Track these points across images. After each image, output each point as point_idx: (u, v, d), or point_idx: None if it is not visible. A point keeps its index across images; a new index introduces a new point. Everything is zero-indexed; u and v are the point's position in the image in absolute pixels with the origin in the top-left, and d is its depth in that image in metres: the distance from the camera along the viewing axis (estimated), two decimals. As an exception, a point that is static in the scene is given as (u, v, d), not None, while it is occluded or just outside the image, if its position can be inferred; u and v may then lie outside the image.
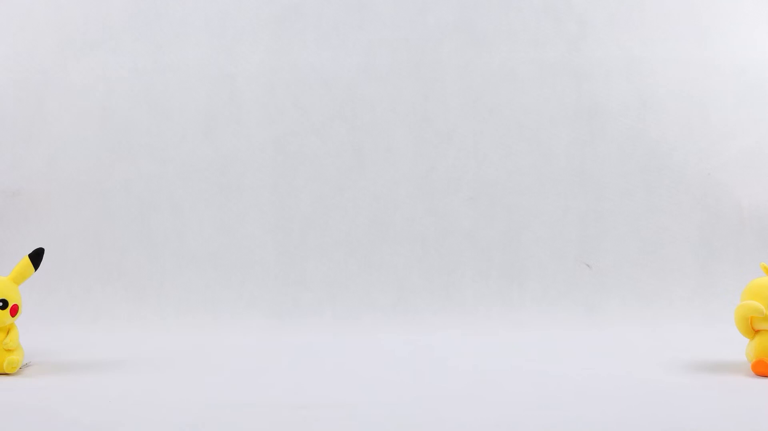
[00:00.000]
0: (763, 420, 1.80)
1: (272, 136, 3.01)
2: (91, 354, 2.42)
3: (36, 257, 2.35)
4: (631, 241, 3.14)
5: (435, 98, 3.25)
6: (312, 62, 3.28)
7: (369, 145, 3.25)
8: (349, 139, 3.25)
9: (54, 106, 3.28)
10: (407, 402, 1.98)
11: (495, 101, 3.24)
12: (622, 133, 3.24)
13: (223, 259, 3.09)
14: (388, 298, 3.04)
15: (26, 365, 2.38)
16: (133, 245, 3.13)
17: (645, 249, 3.11)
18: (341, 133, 3.13)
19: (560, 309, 2.96)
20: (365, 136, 3.26)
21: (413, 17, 3.28)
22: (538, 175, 3.22)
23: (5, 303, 2.27)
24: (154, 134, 3.21)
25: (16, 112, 3.28)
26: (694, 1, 3.29)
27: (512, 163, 3.22)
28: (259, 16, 3.30)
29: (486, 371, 2.25)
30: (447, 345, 2.64)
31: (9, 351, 2.28)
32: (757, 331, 2.17)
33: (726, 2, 3.29)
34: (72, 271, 3.02)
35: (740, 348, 2.28)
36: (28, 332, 2.38)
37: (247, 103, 3.27)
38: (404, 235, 3.15)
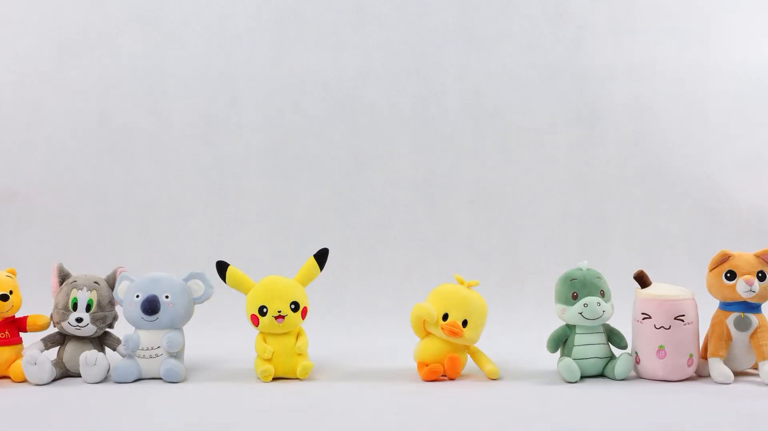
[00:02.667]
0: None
1: (271, 139, 3.02)
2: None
3: (321, 257, 2.23)
4: (630, 244, 3.15)
5: (434, 101, 3.26)
6: (311, 65, 3.28)
7: (368, 147, 3.25)
8: (348, 142, 3.25)
9: (52, 108, 3.28)
10: (407, 405, 1.98)
11: (494, 104, 3.25)
12: (621, 137, 3.25)
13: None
14: (388, 301, 3.04)
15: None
16: (131, 247, 3.13)
17: (644, 252, 3.12)
18: (340, 135, 3.14)
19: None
20: (364, 139, 3.26)
21: (413, 20, 3.28)
22: (538, 178, 3.22)
23: (297, 305, 2.18)
24: (152, 136, 3.21)
25: (14, 113, 3.29)
26: (694, 6, 3.31)
27: (511, 166, 3.22)
28: (258, 19, 3.31)
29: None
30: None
31: (301, 355, 2.19)
32: (428, 333, 2.19)
33: (725, 6, 3.31)
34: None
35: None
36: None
37: (245, 106, 3.28)
38: (403, 238, 3.16)
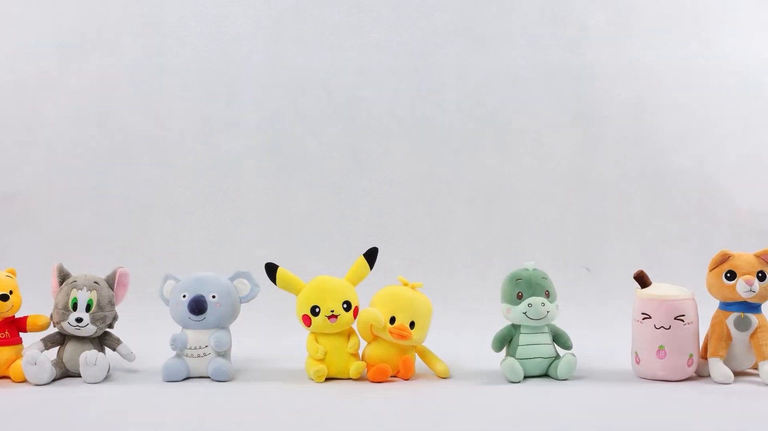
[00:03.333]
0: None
1: (270, 138, 3.01)
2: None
3: (370, 256, 2.22)
4: (629, 245, 3.14)
5: (434, 101, 3.26)
6: (310, 64, 3.28)
7: (367, 147, 3.25)
8: (347, 141, 3.25)
9: (51, 108, 3.28)
10: (407, 406, 1.98)
11: (494, 104, 3.25)
12: (620, 137, 3.25)
13: (221, 261, 3.08)
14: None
15: None
16: (131, 247, 3.12)
17: (644, 253, 3.11)
18: (339, 135, 3.13)
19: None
20: (363, 138, 3.26)
21: (412, 20, 3.28)
22: (537, 178, 3.22)
23: (349, 305, 2.17)
24: (151, 136, 3.21)
25: (13, 114, 3.28)
26: (694, 6, 3.31)
27: (511, 165, 3.22)
28: (257, 19, 3.31)
29: (484, 374, 2.25)
30: (445, 347, 2.63)
31: (353, 355, 2.18)
32: (375, 337, 2.19)
33: (725, 7, 3.31)
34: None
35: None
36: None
37: (244, 105, 3.27)
38: (403, 237, 3.15)
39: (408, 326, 2.16)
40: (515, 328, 2.18)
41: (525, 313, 2.14)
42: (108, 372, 2.18)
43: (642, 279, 2.18)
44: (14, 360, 2.18)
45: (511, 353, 2.17)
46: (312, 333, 2.20)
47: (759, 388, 2.07)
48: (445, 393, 2.08)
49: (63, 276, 2.23)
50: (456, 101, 3.26)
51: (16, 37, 3.32)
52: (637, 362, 2.16)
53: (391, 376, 2.18)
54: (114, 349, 2.24)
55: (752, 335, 2.13)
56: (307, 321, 2.17)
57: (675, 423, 1.83)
